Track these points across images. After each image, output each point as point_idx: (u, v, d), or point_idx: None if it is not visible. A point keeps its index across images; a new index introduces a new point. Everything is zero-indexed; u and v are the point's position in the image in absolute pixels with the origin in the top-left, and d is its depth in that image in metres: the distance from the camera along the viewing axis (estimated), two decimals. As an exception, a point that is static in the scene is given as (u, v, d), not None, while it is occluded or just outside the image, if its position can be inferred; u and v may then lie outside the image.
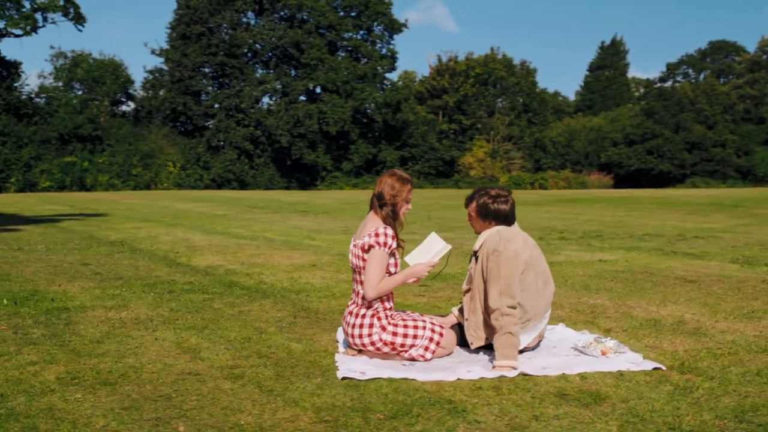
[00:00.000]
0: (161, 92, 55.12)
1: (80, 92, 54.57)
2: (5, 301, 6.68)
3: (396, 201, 5.04)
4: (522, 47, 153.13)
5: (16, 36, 49.24)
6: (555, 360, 4.94)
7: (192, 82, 53.51)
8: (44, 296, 7.05)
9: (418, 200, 29.60)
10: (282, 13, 56.62)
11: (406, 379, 4.46)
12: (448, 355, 5.09)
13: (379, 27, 57.71)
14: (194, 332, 5.60)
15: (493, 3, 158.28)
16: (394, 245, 4.97)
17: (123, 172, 48.69)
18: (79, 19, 51.12)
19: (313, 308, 6.56)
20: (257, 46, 54.96)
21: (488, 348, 5.11)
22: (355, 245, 5.00)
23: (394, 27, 57.73)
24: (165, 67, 55.40)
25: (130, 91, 57.22)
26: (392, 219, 5.05)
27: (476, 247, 5.09)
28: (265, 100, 55.93)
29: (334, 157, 55.91)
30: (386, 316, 5.03)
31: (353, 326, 4.99)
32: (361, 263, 4.95)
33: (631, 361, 4.79)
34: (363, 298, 4.98)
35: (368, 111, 56.01)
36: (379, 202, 5.03)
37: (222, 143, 52.77)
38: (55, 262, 9.76)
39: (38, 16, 49.46)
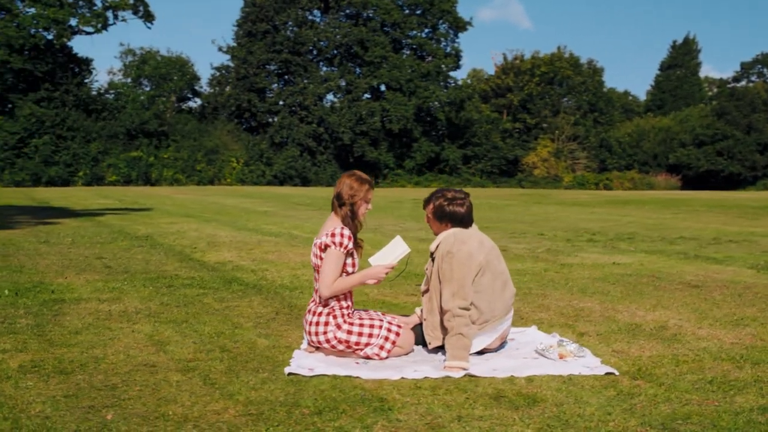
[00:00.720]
0: (227, 89, 55.95)
1: (148, 88, 55.69)
2: (6, 292, 6.91)
3: (354, 201, 5.13)
4: (594, 46, 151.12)
5: (88, 33, 50.64)
6: (510, 362, 4.94)
7: (257, 79, 54.18)
8: (46, 288, 7.27)
9: (481, 198, 29.58)
10: (347, 11, 56.96)
11: (350, 376, 4.51)
12: (406, 354, 5.12)
13: (444, 25, 57.63)
14: (172, 326, 5.74)
15: (568, 0, 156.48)
16: (350, 246, 5.04)
17: (187, 168, 49.56)
18: (148, 17, 52.34)
19: (299, 305, 6.64)
20: (321, 43, 55.37)
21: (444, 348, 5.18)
22: (314, 245, 5.09)
23: (459, 25, 57.58)
24: (231, 64, 56.20)
25: (196, 87, 58.18)
26: (351, 219, 5.13)
27: (432, 248, 5.14)
28: (329, 97, 56.39)
29: (397, 155, 56.05)
30: (342, 315, 5.08)
31: (310, 323, 5.08)
32: (319, 262, 5.04)
33: (586, 365, 4.76)
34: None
35: (431, 109, 55.98)
36: (338, 202, 5.13)
37: (285, 140, 53.31)
38: (73, 255, 10.02)
39: (109, 14, 50.79)
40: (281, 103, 54.51)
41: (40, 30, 46.79)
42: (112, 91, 53.15)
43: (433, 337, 5.11)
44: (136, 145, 48.92)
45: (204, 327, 5.72)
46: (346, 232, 5.02)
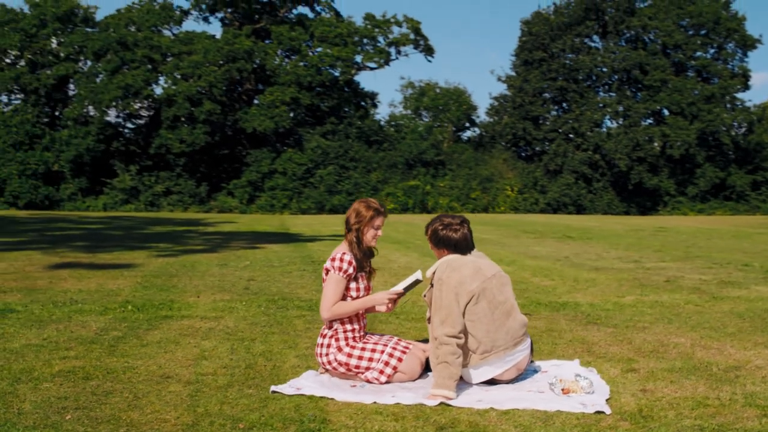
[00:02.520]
0: (504, 118, 56.64)
1: (426, 119, 57.81)
2: (130, 307, 7.83)
3: (360, 227, 5.32)
4: None
5: (371, 69, 53.64)
6: (507, 394, 4.91)
7: (532, 107, 54.36)
8: (170, 305, 8.14)
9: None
10: (626, 35, 55.62)
11: (324, 397, 4.77)
12: (411, 380, 5.25)
13: (730, 44, 54.51)
14: (235, 343, 6.27)
15: None
16: (351, 271, 5.26)
17: (462, 196, 50.68)
18: (428, 51, 54.49)
19: (378, 330, 6.94)
20: (599, 69, 54.47)
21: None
22: (324, 268, 5.39)
23: (748, 43, 54.15)
24: (508, 93, 56.85)
25: (473, 117, 59.42)
26: (357, 244, 5.35)
27: (428, 274, 5.23)
28: (605, 123, 55.22)
29: (678, 182, 53.61)
30: (346, 338, 5.33)
31: (317, 345, 5.39)
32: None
33: (583, 402, 4.67)
34: None
35: (717, 133, 53.04)
36: (346, 228, 5.38)
37: (559, 167, 52.94)
38: (230, 277, 10.93)
39: (392, 49, 53.45)
40: (558, 130, 54.25)
41: (327, 68, 50.26)
42: (393, 123, 55.70)
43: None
44: (413, 174, 50.87)
45: (258, 346, 6.19)
46: (347, 257, 5.27)
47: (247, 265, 12.52)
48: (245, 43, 48.84)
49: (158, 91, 49.51)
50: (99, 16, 52.76)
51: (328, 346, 5.33)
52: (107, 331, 6.75)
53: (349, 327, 5.36)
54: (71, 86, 50.27)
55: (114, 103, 47.51)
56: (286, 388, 4.93)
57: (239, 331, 6.75)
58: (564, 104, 55.56)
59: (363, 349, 5.29)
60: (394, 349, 5.27)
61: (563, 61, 54.60)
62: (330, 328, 5.37)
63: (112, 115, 49.54)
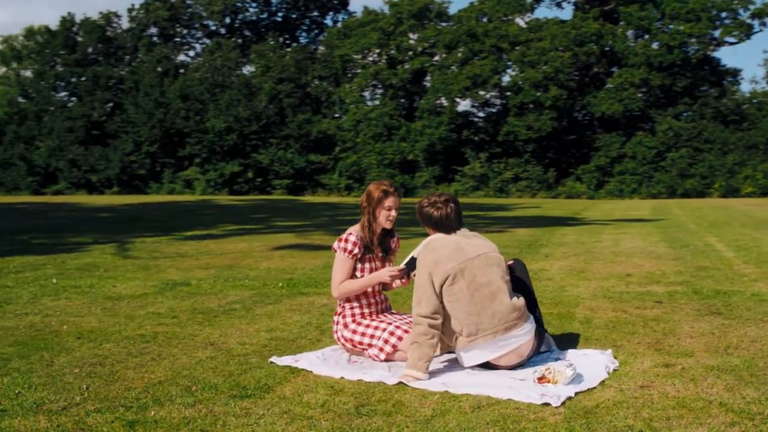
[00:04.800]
0: None
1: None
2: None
3: (371, 209, 5.46)
4: None
5: (730, 44, 50.36)
6: (474, 379, 4.89)
7: None
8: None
9: None
10: None
11: (305, 370, 5.15)
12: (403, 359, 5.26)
13: None
14: (254, 318, 6.45)
15: None
16: (355, 251, 5.44)
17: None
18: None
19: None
20: None
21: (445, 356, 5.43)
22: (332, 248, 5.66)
23: None
24: None
25: None
26: (368, 225, 5.49)
27: (414, 254, 5.26)
28: None
29: None
30: (353, 315, 5.56)
31: (333, 322, 5.74)
32: None
33: (546, 393, 4.51)
34: None
35: None
36: (360, 210, 5.56)
37: None
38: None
39: (754, 22, 49.76)
40: None
41: (680, 45, 47.96)
42: (754, 100, 51.77)
43: None
44: (777, 155, 47.04)
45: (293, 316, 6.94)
46: (352, 237, 5.45)
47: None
48: (592, 26, 48.18)
49: (506, 79, 50.50)
50: (452, 10, 54.80)
51: (337, 323, 5.60)
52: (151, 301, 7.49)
53: (356, 304, 5.57)
54: (426, 79, 52.84)
55: (462, 93, 49.22)
56: (282, 360, 5.30)
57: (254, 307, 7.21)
58: None
59: (367, 326, 5.47)
60: (397, 327, 5.37)
61: None
62: (341, 306, 5.60)
63: (466, 105, 51.52)
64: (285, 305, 7.65)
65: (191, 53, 62.05)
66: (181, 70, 56.57)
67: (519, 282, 5.43)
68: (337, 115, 53.40)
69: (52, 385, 4.78)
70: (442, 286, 5.03)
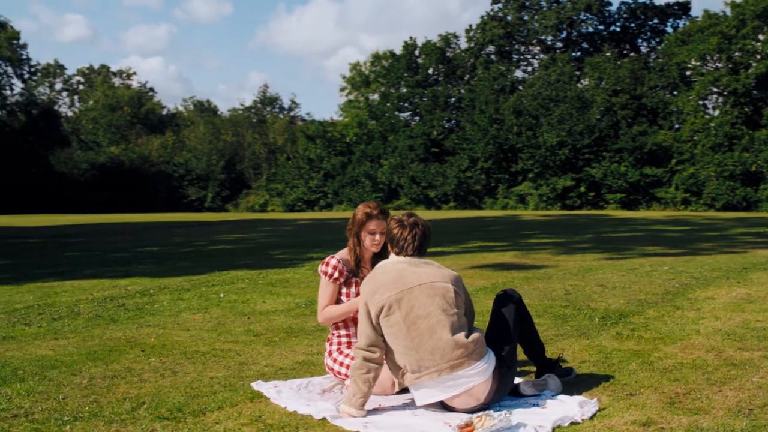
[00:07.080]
0: None
1: None
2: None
3: (356, 231, 5.26)
4: None
5: None
6: (408, 420, 4.63)
7: None
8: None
9: None
10: None
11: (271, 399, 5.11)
12: (383, 394, 5.09)
13: None
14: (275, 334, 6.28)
15: None
16: (336, 275, 5.27)
17: None
18: None
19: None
20: None
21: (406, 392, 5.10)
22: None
23: None
24: None
25: None
26: (354, 249, 5.30)
27: None
28: None
29: None
30: (339, 343, 5.40)
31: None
32: None
33: None
34: None
35: None
36: (347, 231, 5.38)
37: None
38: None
39: None
40: None
41: None
42: None
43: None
44: None
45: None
46: (333, 261, 5.29)
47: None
48: None
49: None
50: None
51: (325, 349, 5.51)
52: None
53: (343, 332, 5.38)
54: (774, 84, 49.11)
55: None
56: (264, 385, 5.32)
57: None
58: None
59: (346, 356, 5.27)
60: None
61: None
62: (330, 332, 5.45)
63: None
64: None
65: (528, 69, 62.91)
66: (519, 87, 57.56)
67: (497, 316, 5.06)
68: (675, 126, 51.36)
69: (43, 393, 5.23)
70: (378, 317, 4.76)
